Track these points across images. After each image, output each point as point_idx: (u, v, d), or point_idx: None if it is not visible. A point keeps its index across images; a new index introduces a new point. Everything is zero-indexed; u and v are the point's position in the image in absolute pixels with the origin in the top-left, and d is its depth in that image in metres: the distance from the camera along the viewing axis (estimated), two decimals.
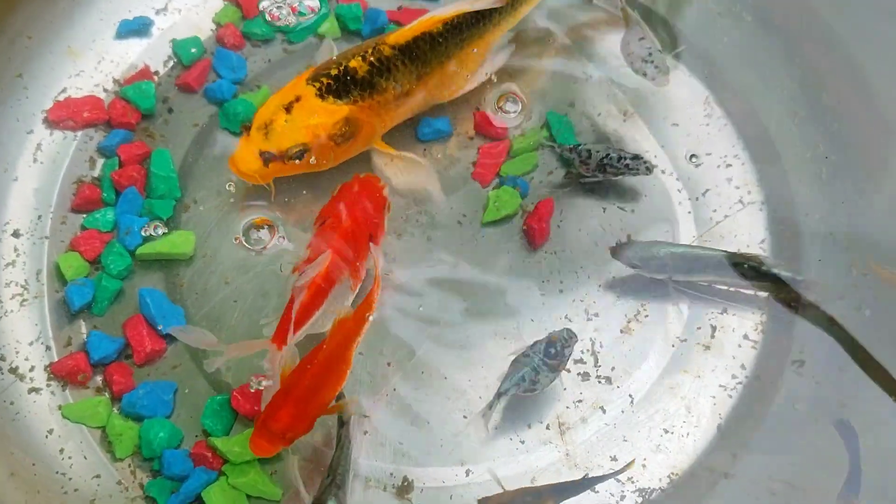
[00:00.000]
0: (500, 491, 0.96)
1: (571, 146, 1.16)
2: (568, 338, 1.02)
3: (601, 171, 1.14)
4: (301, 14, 1.27)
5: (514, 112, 1.22)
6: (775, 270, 1.09)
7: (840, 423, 1.01)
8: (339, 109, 1.08)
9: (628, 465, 1.01)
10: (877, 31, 1.25)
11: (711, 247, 1.11)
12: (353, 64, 1.10)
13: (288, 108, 1.07)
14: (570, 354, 1.02)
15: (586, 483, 0.99)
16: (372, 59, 1.10)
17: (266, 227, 1.14)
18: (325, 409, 0.95)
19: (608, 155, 1.13)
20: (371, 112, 1.10)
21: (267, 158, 1.06)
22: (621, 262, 1.08)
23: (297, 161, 1.08)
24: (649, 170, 1.13)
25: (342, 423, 0.99)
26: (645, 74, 1.13)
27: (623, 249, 1.08)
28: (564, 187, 1.17)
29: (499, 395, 1.01)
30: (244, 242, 1.12)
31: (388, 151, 1.13)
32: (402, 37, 1.12)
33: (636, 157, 1.13)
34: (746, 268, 1.08)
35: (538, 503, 0.94)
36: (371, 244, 1.03)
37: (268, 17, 1.26)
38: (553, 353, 1.00)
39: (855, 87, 1.23)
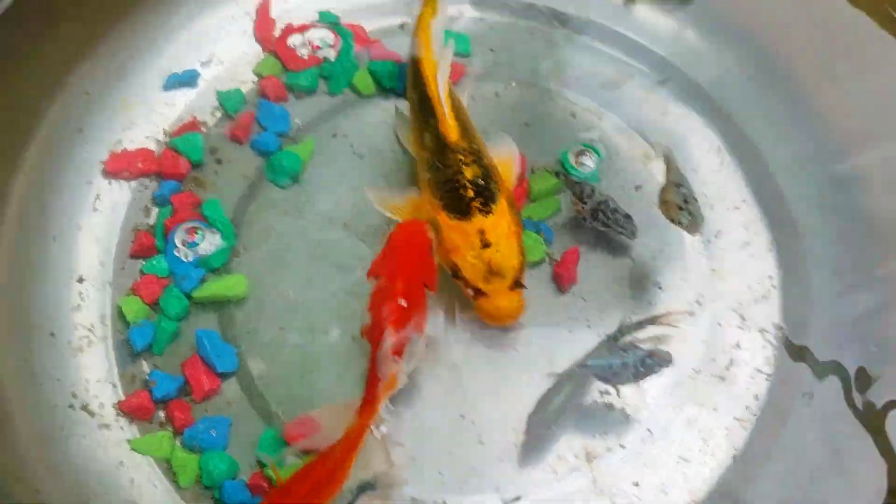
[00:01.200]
0: None
1: (579, 179, 1.17)
2: (663, 361, 1.05)
3: (594, 217, 1.18)
4: (322, 47, 1.34)
5: (592, 167, 1.28)
6: (639, 321, 1.12)
7: None
8: (501, 206, 1.12)
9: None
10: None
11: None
12: (468, 173, 1.13)
13: (485, 244, 1.09)
14: (655, 374, 1.05)
15: None
16: (463, 157, 1.14)
17: (199, 232, 1.21)
18: None
19: (606, 202, 1.17)
20: (505, 183, 1.16)
21: (522, 284, 1.10)
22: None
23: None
24: (633, 234, 1.18)
25: None
26: (680, 223, 1.12)
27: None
28: (582, 230, 1.22)
29: (583, 366, 1.05)
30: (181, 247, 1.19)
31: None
32: (452, 126, 1.15)
33: (628, 217, 1.18)
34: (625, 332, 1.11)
35: None
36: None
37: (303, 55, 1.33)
38: (648, 364, 1.05)
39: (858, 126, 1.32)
